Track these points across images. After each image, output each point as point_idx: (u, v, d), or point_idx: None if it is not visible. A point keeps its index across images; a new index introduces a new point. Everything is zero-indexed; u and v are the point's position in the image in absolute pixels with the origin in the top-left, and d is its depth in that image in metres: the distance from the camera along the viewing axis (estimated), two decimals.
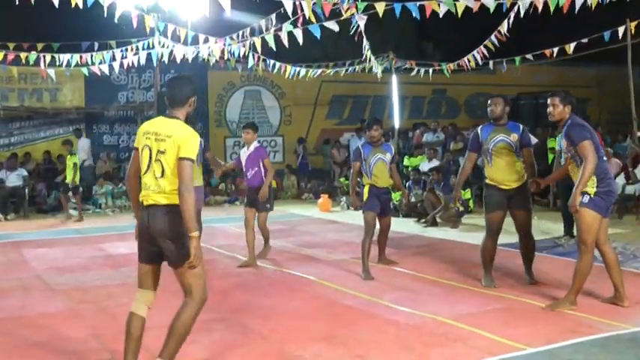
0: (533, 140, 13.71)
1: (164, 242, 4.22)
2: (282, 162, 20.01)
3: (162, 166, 4.22)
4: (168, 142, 4.21)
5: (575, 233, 9.48)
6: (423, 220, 12.32)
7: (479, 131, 7.06)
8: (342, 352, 4.97)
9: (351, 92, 20.77)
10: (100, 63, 12.61)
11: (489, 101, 7.09)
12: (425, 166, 14.30)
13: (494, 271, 7.20)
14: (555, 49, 12.92)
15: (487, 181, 7.00)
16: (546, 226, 10.97)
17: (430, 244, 9.90)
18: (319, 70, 15.43)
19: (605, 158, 5.98)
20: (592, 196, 5.79)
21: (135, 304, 4.52)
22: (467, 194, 13.11)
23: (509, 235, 9.84)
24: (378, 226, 8.07)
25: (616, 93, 19.21)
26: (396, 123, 17.76)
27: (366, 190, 7.92)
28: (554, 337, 5.14)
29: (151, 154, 4.27)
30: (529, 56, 13.40)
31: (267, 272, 8.14)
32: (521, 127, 7.02)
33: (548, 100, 6.12)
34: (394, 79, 17.28)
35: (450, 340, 5.18)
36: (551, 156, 13.41)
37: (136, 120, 18.40)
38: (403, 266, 8.12)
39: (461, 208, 11.88)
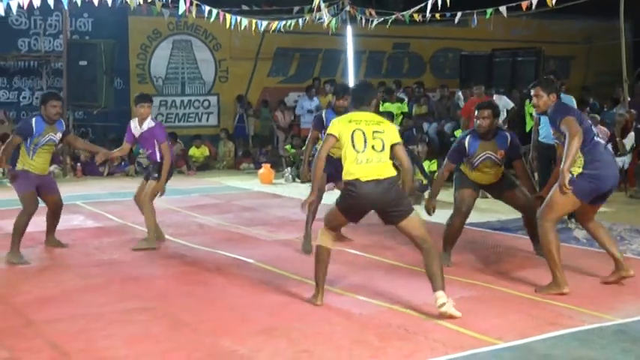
0: (509, 105, 13.95)
1: (392, 207, 5.75)
2: (217, 125, 19.84)
3: (383, 142, 5.77)
4: (382, 126, 5.88)
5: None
6: None
7: (466, 144, 7.34)
8: (285, 346, 4.98)
9: (298, 45, 20.58)
10: None
11: (477, 112, 7.35)
12: None
13: (462, 253, 7.33)
14: (535, 0, 13.00)
15: (462, 169, 7.49)
16: None
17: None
18: (265, 22, 15.23)
19: (600, 141, 6.28)
20: (574, 176, 6.07)
21: (327, 240, 6.05)
22: (433, 166, 13.24)
23: (480, 214, 10.01)
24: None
25: (605, 51, 19.55)
26: (351, 82, 17.74)
27: None
28: (530, 330, 5.24)
29: (365, 136, 5.76)
30: (502, 9, 13.43)
31: (199, 255, 8.09)
32: (509, 138, 7.37)
33: (532, 91, 6.52)
34: (349, 30, 17.22)
35: (410, 332, 5.24)
36: (530, 122, 13.57)
37: (40, 72, 17.95)
38: (357, 248, 8.17)
39: (424, 182, 11.99)
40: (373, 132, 5.81)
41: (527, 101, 14.23)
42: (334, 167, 8.19)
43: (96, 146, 9.44)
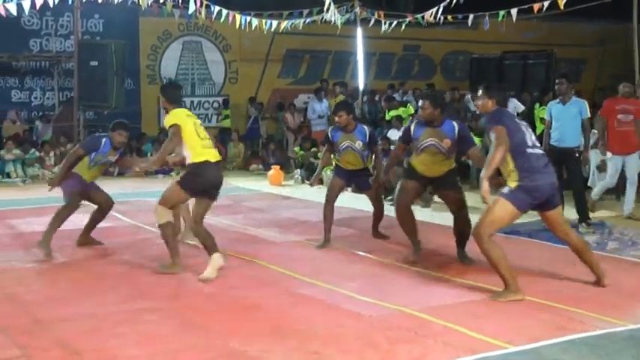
0: (520, 107, 13.92)
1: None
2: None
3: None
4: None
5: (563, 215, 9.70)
6: (390, 197, 12.37)
7: (411, 128, 7.68)
8: (294, 347, 5.00)
9: (308, 46, 20.64)
10: (6, 1, 12.18)
11: (420, 102, 7.69)
12: (394, 134, 14.35)
13: (472, 256, 7.37)
14: (546, 3, 12.99)
15: (410, 161, 7.75)
16: None
17: (397, 225, 9.95)
18: (274, 22, 15.26)
19: (533, 152, 6.23)
20: (513, 188, 6.15)
21: (168, 215, 7.21)
22: None
23: None
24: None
25: (617, 54, 19.49)
26: (361, 84, 17.76)
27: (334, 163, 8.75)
28: (540, 334, 5.23)
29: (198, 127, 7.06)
30: (514, 12, 13.41)
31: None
32: (456, 128, 7.49)
33: (479, 92, 6.62)
34: (359, 32, 17.22)
35: (420, 335, 5.24)
36: (540, 127, 13.51)
37: (51, 73, 18.03)
38: (366, 250, 8.18)
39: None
40: (200, 124, 7.15)
41: (538, 105, 14.21)
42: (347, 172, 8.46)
43: (137, 159, 10.03)
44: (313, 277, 6.92)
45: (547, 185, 6.20)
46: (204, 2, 13.10)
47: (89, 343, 5.08)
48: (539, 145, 6.42)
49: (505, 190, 6.18)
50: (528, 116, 14.94)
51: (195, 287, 6.63)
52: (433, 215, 10.78)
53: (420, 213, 11.00)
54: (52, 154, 16.37)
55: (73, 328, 5.43)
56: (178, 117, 7.04)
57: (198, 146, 6.95)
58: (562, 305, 5.94)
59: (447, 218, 9.86)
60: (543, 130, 10.24)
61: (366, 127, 8.56)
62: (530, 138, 6.29)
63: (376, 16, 16.02)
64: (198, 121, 7.17)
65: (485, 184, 6.05)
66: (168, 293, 6.43)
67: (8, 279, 6.96)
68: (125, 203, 11.91)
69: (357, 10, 16.30)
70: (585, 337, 5.18)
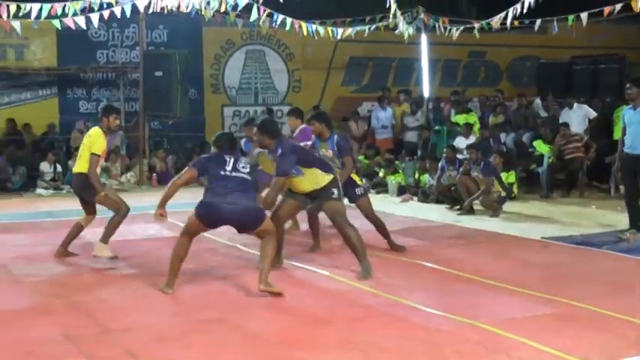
0: (592, 114, 13.58)
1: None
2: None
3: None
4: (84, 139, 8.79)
5: None
6: (458, 207, 12.24)
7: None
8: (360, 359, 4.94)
9: (371, 54, 20.61)
10: (75, 14, 12.43)
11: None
12: (461, 142, 14.20)
13: (542, 268, 7.18)
14: (618, 6, 12.68)
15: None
16: (607, 218, 10.85)
17: (465, 235, 9.85)
18: (340, 30, 15.24)
19: (230, 176, 6.82)
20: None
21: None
22: (510, 177, 13.02)
23: (561, 227, 9.81)
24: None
25: None
26: (426, 91, 17.64)
27: None
28: (617, 350, 5.07)
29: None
30: (584, 16, 13.11)
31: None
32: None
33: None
34: (424, 39, 17.11)
35: (490, 350, 5.13)
36: (618, 132, 13.06)
37: (117, 84, 18.35)
38: (433, 261, 8.07)
39: (503, 194, 11.80)
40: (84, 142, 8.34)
41: (627, 108, 13.75)
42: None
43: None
44: (379, 289, 6.85)
45: (223, 205, 6.73)
46: (267, 11, 13.15)
47: (156, 353, 5.12)
48: (246, 171, 6.90)
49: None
50: (602, 121, 14.59)
51: (258, 299, 6.62)
52: (503, 224, 10.62)
53: (488, 223, 10.89)
54: (118, 163, 16.62)
55: (140, 337, 5.48)
56: None
57: None
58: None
59: (518, 228, 9.75)
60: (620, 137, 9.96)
61: (335, 136, 8.62)
62: (235, 165, 6.89)
63: (440, 22, 15.88)
64: (84, 140, 8.40)
65: (158, 209, 7.13)
66: (231, 305, 6.42)
67: (75, 287, 7.08)
68: (185, 213, 11.98)
69: (423, 16, 16.18)
70: None
